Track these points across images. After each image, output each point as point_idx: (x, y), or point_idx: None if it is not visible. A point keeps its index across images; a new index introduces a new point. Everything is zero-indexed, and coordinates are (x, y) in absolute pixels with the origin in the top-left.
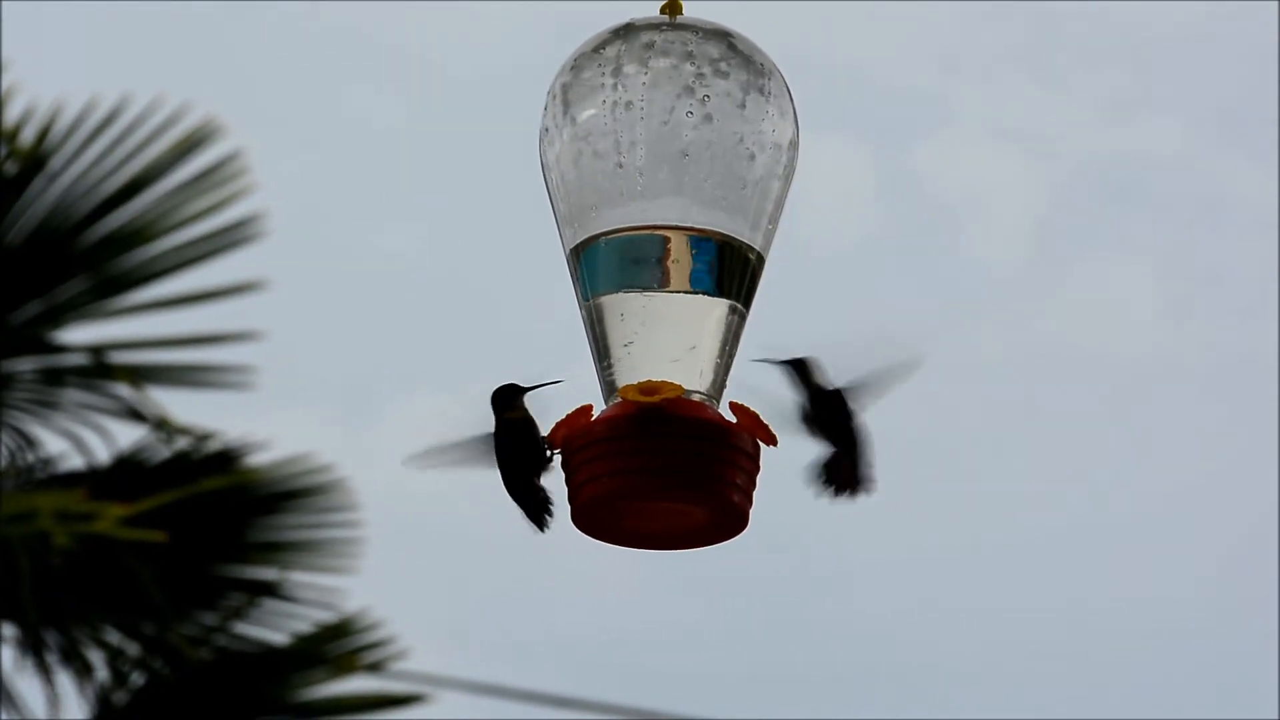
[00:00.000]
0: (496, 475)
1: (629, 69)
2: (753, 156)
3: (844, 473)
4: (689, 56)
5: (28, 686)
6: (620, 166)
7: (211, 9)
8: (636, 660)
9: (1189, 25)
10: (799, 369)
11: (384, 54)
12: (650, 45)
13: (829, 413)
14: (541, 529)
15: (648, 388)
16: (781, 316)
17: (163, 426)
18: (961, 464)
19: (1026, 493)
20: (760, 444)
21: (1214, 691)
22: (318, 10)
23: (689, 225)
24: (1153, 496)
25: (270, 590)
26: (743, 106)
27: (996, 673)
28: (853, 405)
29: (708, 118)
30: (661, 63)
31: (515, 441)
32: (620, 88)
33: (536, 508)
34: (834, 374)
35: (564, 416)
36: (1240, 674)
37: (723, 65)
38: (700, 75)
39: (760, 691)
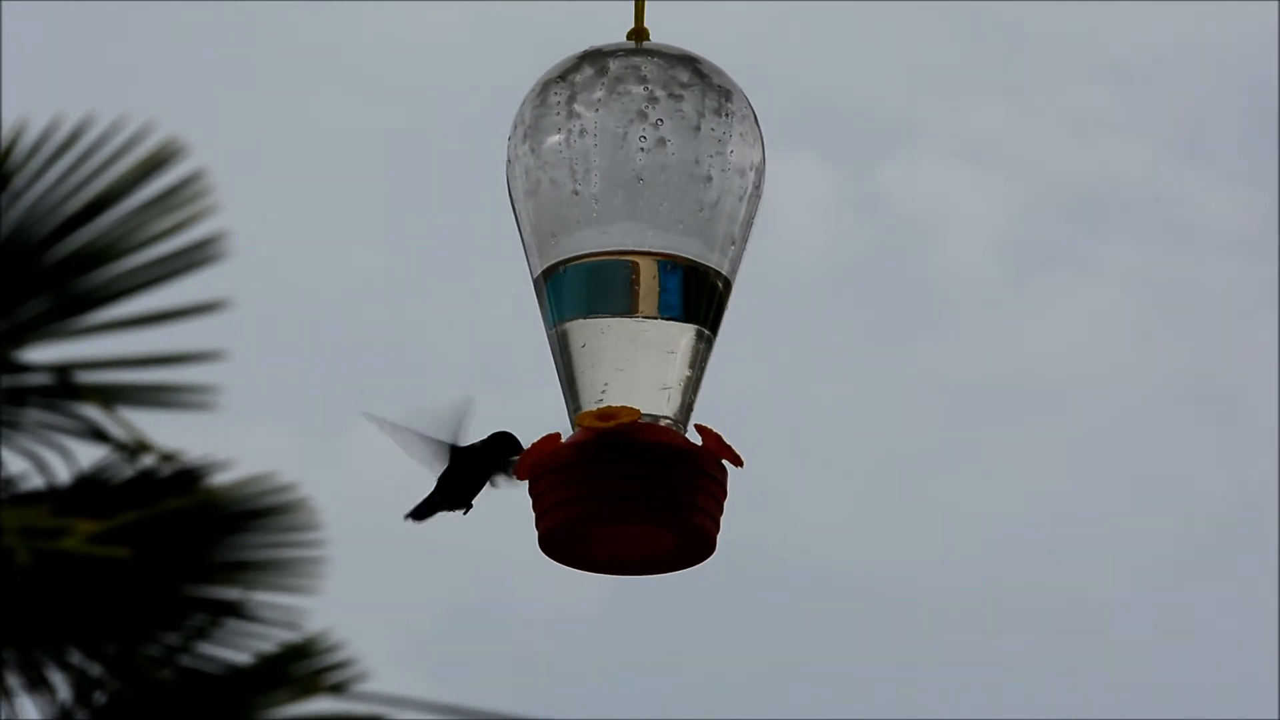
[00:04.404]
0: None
1: (584, 96)
2: (709, 179)
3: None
4: (643, 81)
5: None
6: (576, 194)
7: (176, 26)
8: (600, 681)
9: (1157, 45)
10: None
11: (351, 69)
12: (605, 71)
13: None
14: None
15: (605, 413)
16: (749, 335)
17: (130, 447)
18: (927, 478)
19: (991, 507)
20: (726, 467)
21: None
22: (283, 27)
23: (647, 249)
24: (1117, 510)
25: (233, 610)
26: (698, 129)
27: (971, 686)
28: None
29: (661, 141)
30: (616, 89)
31: (475, 472)
32: (575, 115)
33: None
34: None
35: (530, 445)
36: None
37: (677, 89)
38: (654, 100)
39: (726, 713)
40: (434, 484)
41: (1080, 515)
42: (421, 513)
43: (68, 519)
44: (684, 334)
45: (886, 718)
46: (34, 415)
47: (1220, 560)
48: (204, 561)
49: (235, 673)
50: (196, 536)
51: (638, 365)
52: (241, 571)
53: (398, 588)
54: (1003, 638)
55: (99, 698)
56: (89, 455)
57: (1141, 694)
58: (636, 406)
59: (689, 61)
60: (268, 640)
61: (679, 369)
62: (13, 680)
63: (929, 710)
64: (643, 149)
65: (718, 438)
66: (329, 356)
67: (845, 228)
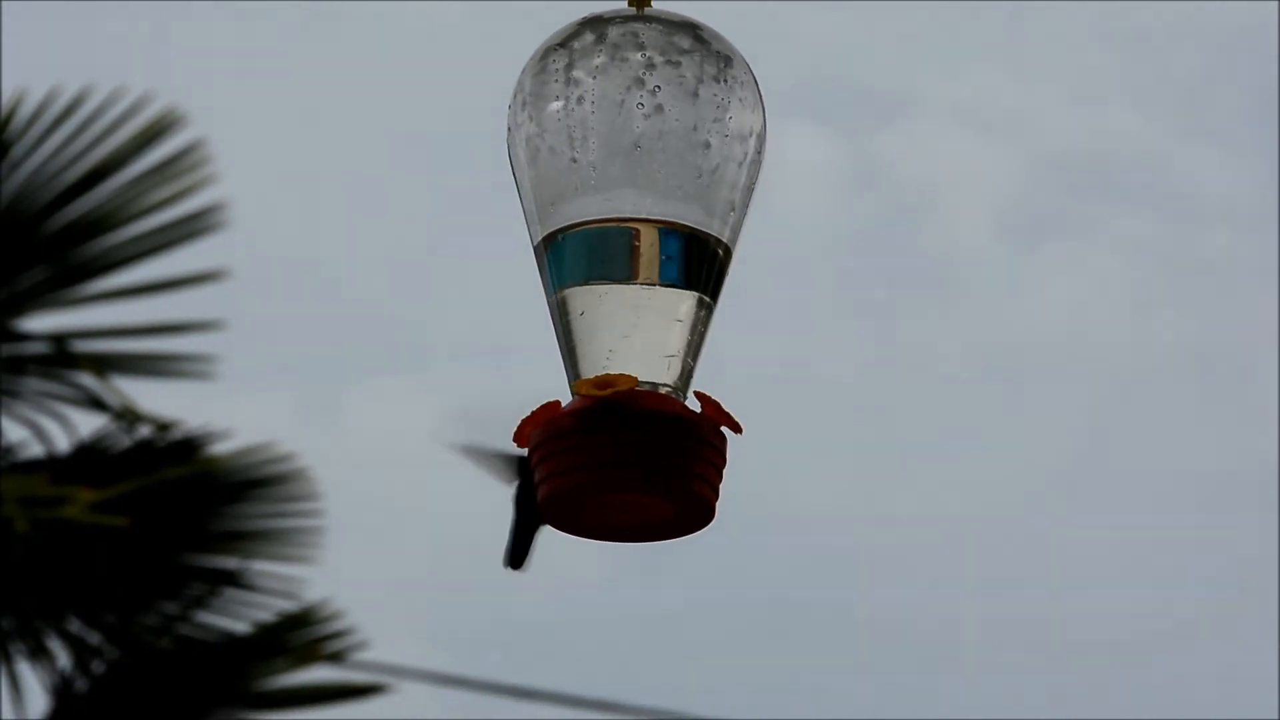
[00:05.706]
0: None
1: (583, 63)
2: (708, 145)
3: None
4: (641, 47)
5: None
6: (574, 161)
7: None
8: (598, 651)
9: (1158, 14)
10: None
11: (350, 37)
12: (604, 38)
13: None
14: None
15: (602, 381)
16: (750, 305)
17: (125, 416)
18: (926, 446)
19: (990, 476)
20: (726, 434)
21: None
22: None
23: (645, 216)
24: (1117, 479)
25: (232, 579)
26: (696, 95)
27: (970, 668)
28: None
29: (659, 108)
30: (613, 55)
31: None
32: (574, 83)
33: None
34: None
35: (530, 413)
36: (1214, 676)
37: (675, 55)
38: (651, 66)
39: (726, 684)
40: (513, 508)
41: (1080, 484)
42: (519, 552)
43: (67, 487)
44: (684, 301)
45: (882, 717)
46: (33, 384)
47: (1221, 530)
48: (203, 530)
49: (234, 641)
50: (195, 505)
51: (638, 332)
52: (240, 541)
53: (396, 557)
54: (1000, 608)
55: (98, 666)
56: (89, 424)
57: (1137, 670)
58: (638, 374)
59: (689, 27)
60: (266, 609)
61: (679, 336)
62: (13, 648)
63: (928, 695)
64: (641, 115)
65: (716, 404)
66: (328, 326)
67: (845, 197)
